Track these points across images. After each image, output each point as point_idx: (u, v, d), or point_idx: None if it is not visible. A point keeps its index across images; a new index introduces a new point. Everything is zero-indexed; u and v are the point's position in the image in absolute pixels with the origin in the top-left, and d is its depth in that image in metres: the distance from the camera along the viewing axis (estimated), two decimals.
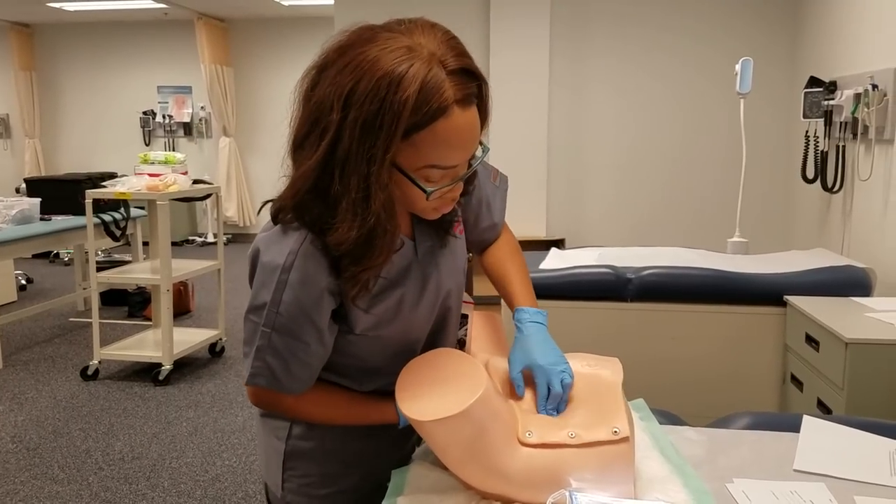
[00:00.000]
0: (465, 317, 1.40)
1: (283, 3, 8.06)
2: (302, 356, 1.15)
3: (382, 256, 1.08)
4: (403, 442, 1.40)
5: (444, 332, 1.34)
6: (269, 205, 1.16)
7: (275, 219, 1.14)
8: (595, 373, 1.21)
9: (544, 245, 4.71)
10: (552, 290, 3.04)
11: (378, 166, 1.00)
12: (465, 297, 1.39)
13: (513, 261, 1.43)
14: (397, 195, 1.08)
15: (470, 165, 1.12)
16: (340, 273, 1.10)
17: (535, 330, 1.28)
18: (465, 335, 1.38)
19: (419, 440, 1.42)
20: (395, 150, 1.00)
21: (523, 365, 1.23)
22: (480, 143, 1.11)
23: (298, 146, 1.07)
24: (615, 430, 1.12)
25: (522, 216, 5.05)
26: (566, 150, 5.11)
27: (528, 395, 1.22)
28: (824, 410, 2.53)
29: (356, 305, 1.14)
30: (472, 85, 1.03)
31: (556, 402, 1.19)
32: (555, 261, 3.29)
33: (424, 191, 1.06)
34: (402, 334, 1.24)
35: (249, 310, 1.15)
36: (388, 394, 1.23)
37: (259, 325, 1.13)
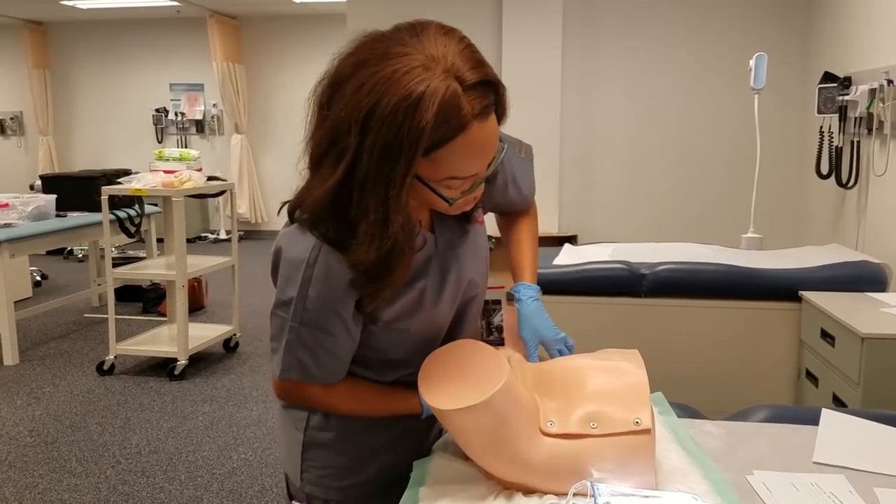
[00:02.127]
0: (497, 302, 1.42)
1: (294, 0, 8.08)
2: (331, 348, 1.18)
3: (401, 275, 1.10)
4: (424, 435, 1.41)
5: (464, 321, 1.35)
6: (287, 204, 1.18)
7: (291, 216, 1.15)
8: (617, 365, 1.22)
9: (557, 241, 4.71)
10: (566, 285, 3.04)
11: (397, 190, 1.00)
12: (496, 282, 1.42)
13: (530, 236, 1.50)
14: (420, 197, 1.09)
15: (490, 165, 1.12)
16: (360, 286, 1.12)
17: (536, 307, 1.39)
18: (501, 321, 1.41)
19: (440, 434, 1.44)
20: (414, 170, 1.00)
21: (537, 339, 1.35)
22: (499, 140, 1.11)
23: (317, 163, 1.07)
24: (637, 420, 1.13)
25: None
26: (578, 147, 5.11)
27: (552, 392, 1.23)
28: (840, 405, 2.52)
29: (375, 314, 1.17)
30: (490, 95, 1.03)
31: None
32: (568, 256, 3.30)
33: (446, 200, 1.08)
34: (424, 325, 1.25)
35: (276, 305, 1.17)
36: (410, 385, 1.25)
37: (287, 321, 1.15)
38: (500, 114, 1.09)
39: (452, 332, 1.33)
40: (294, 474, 1.37)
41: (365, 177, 1.00)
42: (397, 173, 0.99)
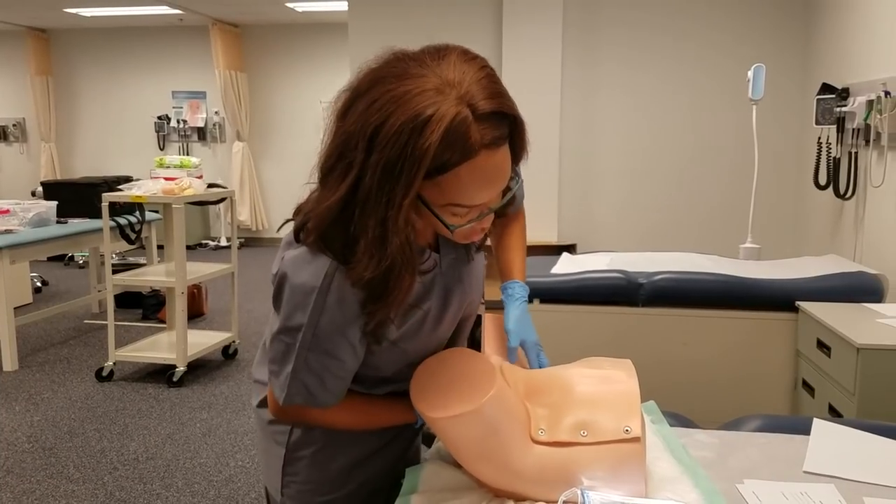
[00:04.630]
0: (478, 316, 1.43)
1: (296, 9, 8.12)
2: (338, 372, 1.17)
3: (401, 296, 1.09)
4: (406, 446, 1.41)
5: (459, 337, 1.37)
6: (292, 221, 1.17)
7: (297, 236, 1.14)
8: (608, 374, 1.23)
9: (556, 250, 4.72)
10: (564, 294, 3.05)
11: (395, 211, 1.00)
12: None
13: (520, 236, 1.51)
14: (426, 221, 1.09)
15: (503, 196, 1.11)
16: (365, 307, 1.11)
17: (524, 308, 1.39)
18: (480, 335, 1.41)
19: (419, 446, 1.46)
20: (414, 192, 1.00)
21: (520, 338, 1.34)
22: (514, 174, 1.11)
23: (326, 174, 1.07)
24: (626, 429, 1.13)
25: (534, 221, 5.04)
26: (578, 155, 5.12)
27: (543, 400, 1.23)
28: (835, 416, 2.53)
29: (381, 333, 1.16)
30: (503, 126, 1.02)
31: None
32: (566, 265, 3.31)
33: (448, 227, 1.07)
34: (424, 346, 1.26)
35: (281, 331, 1.14)
36: (402, 395, 1.26)
37: (294, 346, 1.13)
38: (518, 149, 1.08)
39: (445, 347, 1.34)
40: (274, 489, 1.36)
41: (367, 195, 1.00)
42: (397, 194, 0.99)
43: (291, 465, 1.33)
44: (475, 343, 1.43)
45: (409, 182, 0.98)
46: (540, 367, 1.34)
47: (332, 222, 1.05)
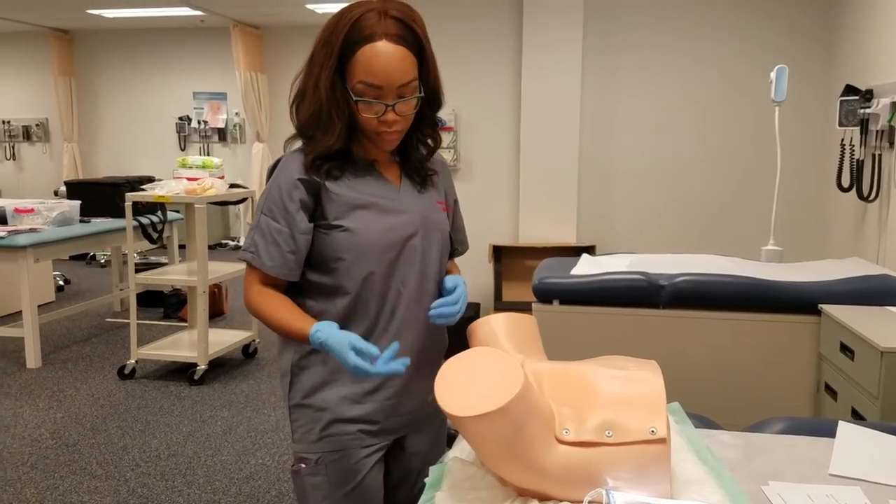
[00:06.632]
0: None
1: (316, 10, 8.15)
2: (276, 236, 1.46)
3: (329, 139, 1.41)
4: (388, 413, 1.55)
5: (430, 252, 1.55)
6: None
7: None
8: (634, 374, 1.23)
9: (575, 251, 4.72)
10: (584, 295, 3.05)
11: (326, 71, 1.38)
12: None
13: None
14: (355, 122, 1.43)
15: (408, 101, 1.42)
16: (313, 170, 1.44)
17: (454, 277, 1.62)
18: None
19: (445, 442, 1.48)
20: (335, 59, 1.37)
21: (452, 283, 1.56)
22: (421, 89, 1.43)
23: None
24: (652, 429, 1.13)
25: (553, 222, 5.05)
26: (597, 157, 5.11)
27: (567, 398, 1.24)
28: (858, 419, 2.50)
29: (325, 184, 1.45)
30: (405, 31, 1.37)
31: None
32: (586, 267, 3.30)
33: (352, 96, 1.39)
34: (366, 240, 1.45)
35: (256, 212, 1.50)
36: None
37: (257, 214, 1.48)
38: (423, 63, 1.41)
39: (388, 272, 1.48)
40: (291, 439, 1.59)
41: (312, 64, 1.42)
42: (328, 58, 1.38)
43: (294, 412, 1.55)
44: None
45: (333, 47, 1.37)
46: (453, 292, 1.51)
47: (299, 93, 1.45)
